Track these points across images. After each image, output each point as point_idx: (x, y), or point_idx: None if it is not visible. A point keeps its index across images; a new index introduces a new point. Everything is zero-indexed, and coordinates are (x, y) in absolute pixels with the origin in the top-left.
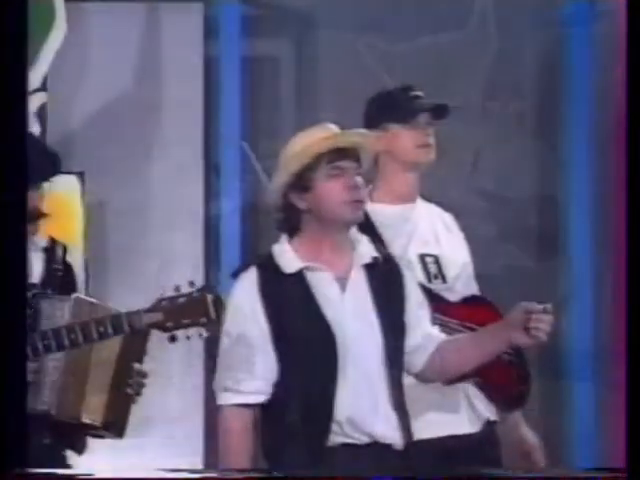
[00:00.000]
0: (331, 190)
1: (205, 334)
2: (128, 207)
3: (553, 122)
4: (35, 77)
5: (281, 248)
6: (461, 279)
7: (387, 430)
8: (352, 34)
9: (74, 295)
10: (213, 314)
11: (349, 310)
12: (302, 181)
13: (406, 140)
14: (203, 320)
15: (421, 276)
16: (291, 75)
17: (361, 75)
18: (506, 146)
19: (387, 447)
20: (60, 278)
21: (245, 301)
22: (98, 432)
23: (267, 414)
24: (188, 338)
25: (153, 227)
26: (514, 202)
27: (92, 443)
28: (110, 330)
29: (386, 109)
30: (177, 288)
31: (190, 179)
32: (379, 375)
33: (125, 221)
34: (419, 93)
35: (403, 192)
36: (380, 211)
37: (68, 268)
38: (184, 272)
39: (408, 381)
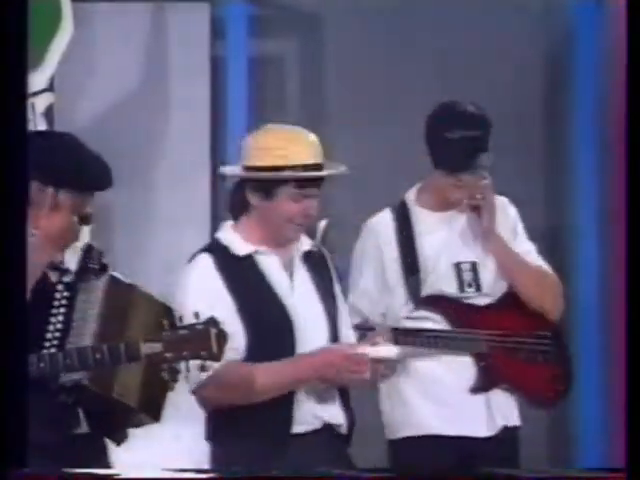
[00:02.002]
0: (288, 210)
1: (207, 368)
2: (134, 207)
3: (559, 125)
4: (42, 77)
5: (226, 235)
6: (499, 278)
7: (336, 412)
8: (358, 34)
9: (109, 274)
10: (215, 348)
11: (298, 298)
12: (264, 186)
13: (445, 183)
14: (203, 354)
15: (454, 285)
16: (297, 75)
17: (365, 72)
18: (510, 149)
19: (334, 433)
20: (96, 272)
21: (207, 279)
22: (132, 414)
23: None
24: (188, 370)
25: (159, 227)
26: (519, 204)
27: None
28: (107, 358)
29: (438, 153)
30: (180, 319)
31: (197, 179)
32: None
33: (131, 221)
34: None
35: (449, 200)
36: (423, 217)
37: (104, 268)
38: None
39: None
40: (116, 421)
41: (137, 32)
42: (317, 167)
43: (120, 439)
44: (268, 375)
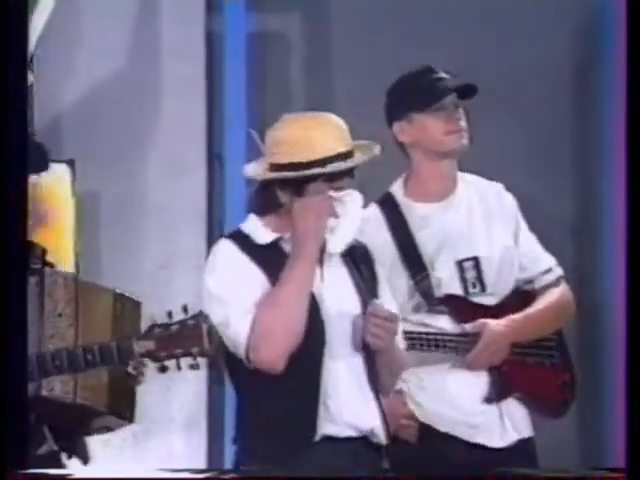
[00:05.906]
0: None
1: (198, 366)
2: (123, 199)
3: (585, 115)
4: None
5: (250, 224)
6: (502, 274)
7: (373, 421)
8: (365, 7)
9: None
10: (207, 344)
11: (328, 288)
12: (292, 183)
13: (433, 128)
14: (195, 350)
15: (458, 286)
16: (301, 53)
17: (374, 51)
18: (537, 140)
19: (370, 442)
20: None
21: (231, 261)
22: (101, 418)
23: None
24: (179, 369)
25: (151, 221)
26: (543, 195)
27: (94, 452)
28: (98, 359)
29: (407, 97)
30: (169, 314)
31: (191, 169)
32: (360, 358)
33: (120, 214)
34: (440, 74)
35: (438, 188)
36: (415, 210)
37: (48, 265)
38: (185, 272)
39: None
40: (82, 434)
41: (126, 6)
42: (347, 155)
43: (86, 456)
44: (280, 285)
